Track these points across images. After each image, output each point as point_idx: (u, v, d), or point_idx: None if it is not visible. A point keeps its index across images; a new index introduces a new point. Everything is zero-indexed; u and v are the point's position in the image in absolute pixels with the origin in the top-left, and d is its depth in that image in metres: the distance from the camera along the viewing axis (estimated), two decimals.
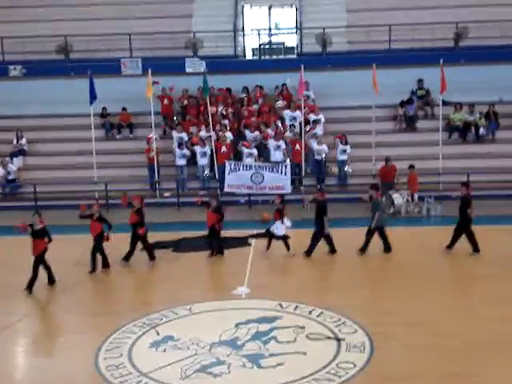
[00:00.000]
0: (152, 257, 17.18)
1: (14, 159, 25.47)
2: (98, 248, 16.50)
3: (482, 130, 25.61)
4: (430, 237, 19.19)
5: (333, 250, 17.57)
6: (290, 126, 24.87)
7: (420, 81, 26.92)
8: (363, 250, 17.54)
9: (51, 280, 15.68)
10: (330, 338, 12.26)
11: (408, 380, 10.67)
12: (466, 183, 18.61)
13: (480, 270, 16.18)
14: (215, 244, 17.66)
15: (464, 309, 13.72)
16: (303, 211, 21.23)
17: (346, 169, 24.19)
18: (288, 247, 17.63)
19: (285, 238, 17.67)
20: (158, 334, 12.60)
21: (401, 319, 13.02)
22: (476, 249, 17.05)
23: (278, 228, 17.64)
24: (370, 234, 17.58)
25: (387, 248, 17.52)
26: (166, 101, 26.51)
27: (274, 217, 17.74)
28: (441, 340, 12.00)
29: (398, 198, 21.67)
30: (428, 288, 14.80)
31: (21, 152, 25.98)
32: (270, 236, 17.75)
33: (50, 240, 15.38)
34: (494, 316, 13.07)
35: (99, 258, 16.60)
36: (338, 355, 11.53)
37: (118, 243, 16.80)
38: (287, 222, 17.73)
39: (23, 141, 26.07)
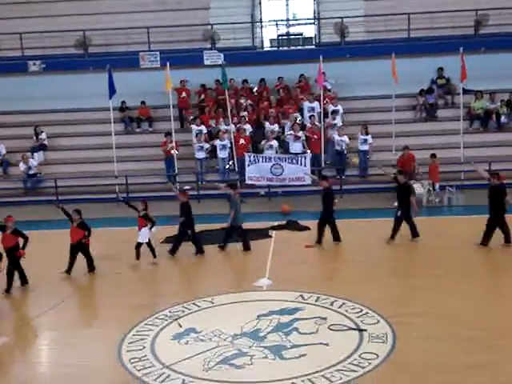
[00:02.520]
0: (24, 281, 15.33)
1: (35, 154, 25.65)
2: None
3: (503, 118, 25.38)
4: (452, 227, 19.03)
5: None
6: (309, 116, 24.78)
7: (440, 69, 26.68)
8: (222, 247, 17.47)
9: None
10: (352, 328, 12.21)
11: (432, 370, 10.53)
12: None
13: (504, 259, 16.04)
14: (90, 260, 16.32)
15: (488, 299, 13.58)
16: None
17: (368, 157, 24.03)
18: (154, 254, 16.82)
19: (150, 245, 16.76)
20: (181, 327, 12.60)
21: (423, 309, 12.92)
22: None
23: (144, 234, 16.61)
24: (228, 232, 17.47)
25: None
26: (183, 94, 26.50)
27: (140, 223, 16.64)
28: (464, 330, 11.87)
29: (419, 188, 21.52)
30: (449, 278, 14.65)
31: (41, 147, 26.14)
32: (137, 245, 16.73)
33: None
34: None
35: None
36: (360, 346, 11.45)
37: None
38: (154, 228, 16.77)
39: (43, 136, 26.19)
